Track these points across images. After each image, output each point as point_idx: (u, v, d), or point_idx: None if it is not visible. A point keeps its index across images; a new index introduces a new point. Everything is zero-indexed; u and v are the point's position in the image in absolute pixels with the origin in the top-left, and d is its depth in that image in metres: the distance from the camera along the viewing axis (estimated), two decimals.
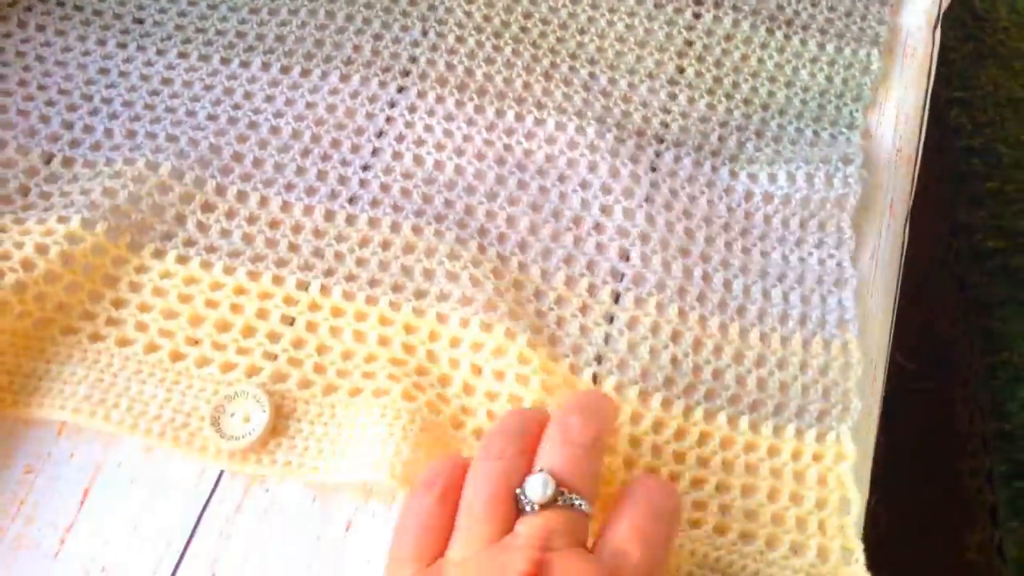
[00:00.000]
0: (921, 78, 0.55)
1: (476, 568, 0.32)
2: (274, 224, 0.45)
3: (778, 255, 0.46)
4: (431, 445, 0.38)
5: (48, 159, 0.46)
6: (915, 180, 0.53)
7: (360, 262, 0.44)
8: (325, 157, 0.47)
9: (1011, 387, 0.81)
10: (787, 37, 0.54)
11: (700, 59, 0.52)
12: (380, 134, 0.48)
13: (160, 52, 0.50)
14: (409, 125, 0.49)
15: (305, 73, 0.50)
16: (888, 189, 0.50)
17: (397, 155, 0.48)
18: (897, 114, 0.53)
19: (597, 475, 0.34)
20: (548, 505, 0.33)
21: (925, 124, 0.55)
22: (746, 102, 0.51)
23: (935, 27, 0.57)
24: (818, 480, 0.39)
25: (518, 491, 0.33)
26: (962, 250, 0.90)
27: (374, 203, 0.46)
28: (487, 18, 0.52)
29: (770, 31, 0.54)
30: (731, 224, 0.47)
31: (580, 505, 0.33)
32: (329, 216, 0.45)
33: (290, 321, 0.42)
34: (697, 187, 0.48)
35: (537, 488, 0.33)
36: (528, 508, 0.33)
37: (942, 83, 0.79)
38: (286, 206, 0.46)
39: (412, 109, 0.49)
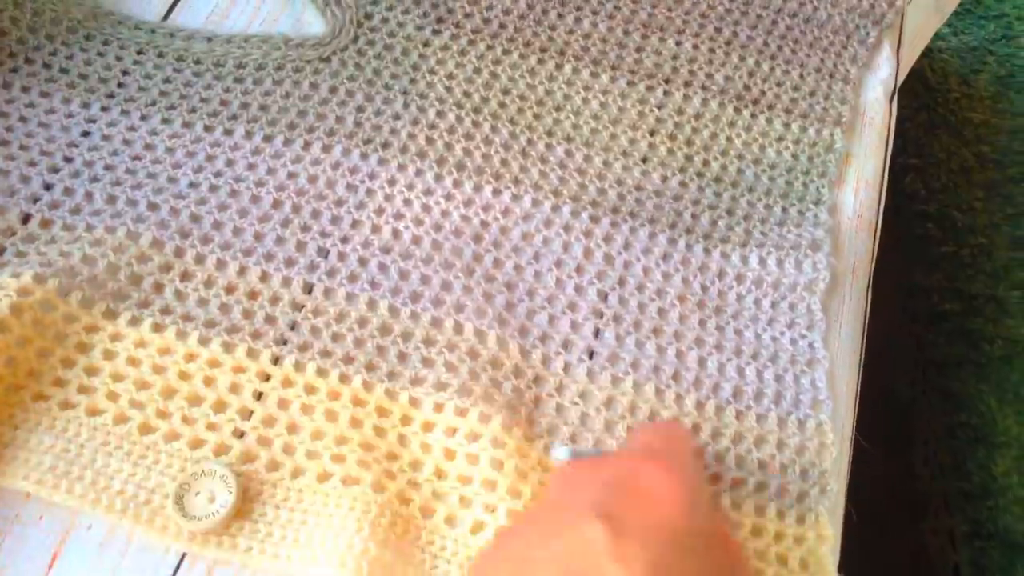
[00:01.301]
0: (879, 147, 0.57)
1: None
2: (252, 295, 0.46)
3: (751, 333, 0.47)
4: (399, 541, 0.39)
5: (26, 219, 0.47)
6: (876, 245, 0.55)
7: (336, 338, 0.45)
8: (305, 228, 0.48)
9: (971, 447, 0.83)
10: (754, 116, 0.56)
11: (671, 137, 0.54)
12: (360, 206, 0.49)
13: (144, 117, 0.51)
14: (388, 198, 0.50)
15: (287, 142, 0.51)
16: (849, 254, 0.52)
17: (376, 228, 0.49)
18: (857, 181, 0.55)
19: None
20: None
21: (884, 191, 0.57)
22: (717, 180, 0.53)
23: (892, 98, 0.59)
24: (800, 564, 0.40)
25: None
26: (919, 312, 0.92)
27: (352, 277, 0.47)
28: (467, 94, 0.54)
29: (737, 110, 0.56)
30: (705, 302, 0.48)
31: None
32: (307, 288, 0.46)
33: (262, 397, 0.43)
34: (671, 264, 0.49)
35: (561, 452, 0.39)
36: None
37: (897, 151, 0.82)
38: (265, 276, 0.46)
39: (392, 182, 0.50)
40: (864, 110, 0.57)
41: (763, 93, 0.56)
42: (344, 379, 0.43)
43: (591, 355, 0.46)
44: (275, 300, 0.46)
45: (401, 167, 0.51)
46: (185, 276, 0.46)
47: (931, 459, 0.86)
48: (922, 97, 1.06)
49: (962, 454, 0.83)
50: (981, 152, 1.01)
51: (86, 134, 0.50)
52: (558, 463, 0.41)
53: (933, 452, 0.85)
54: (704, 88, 0.56)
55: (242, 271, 0.46)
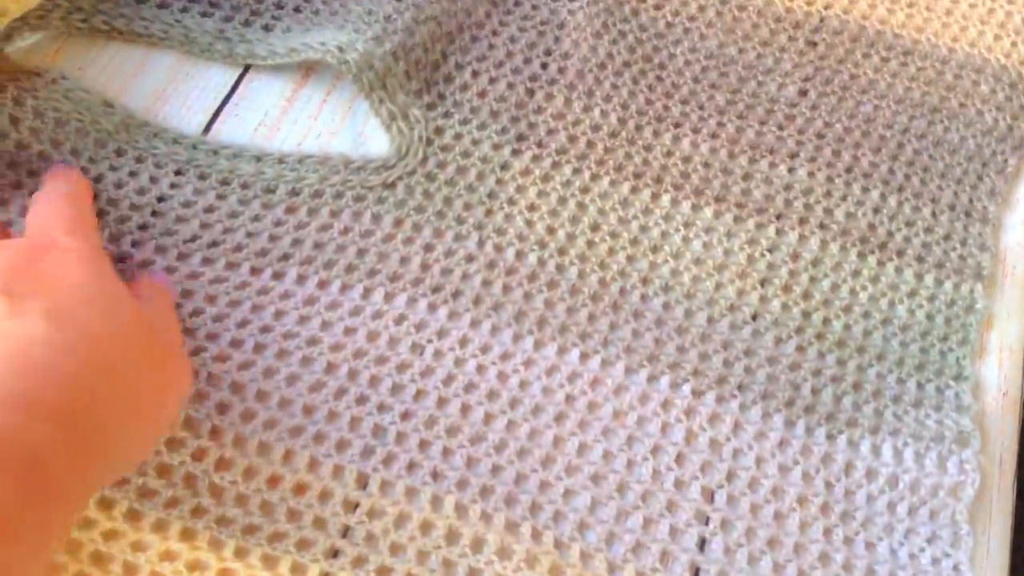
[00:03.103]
0: (1023, 300, 0.49)
1: None
2: (299, 488, 0.39)
3: (885, 548, 0.40)
4: None
5: None
6: (1021, 434, 0.47)
7: (395, 550, 0.38)
8: (361, 399, 0.42)
9: None
10: (881, 264, 0.48)
11: (786, 289, 0.46)
12: (426, 372, 0.42)
13: (182, 256, 0.45)
14: (459, 363, 0.43)
15: (345, 289, 0.44)
16: (995, 444, 0.44)
17: (442, 402, 0.42)
18: (1000, 349, 0.47)
19: None
20: None
21: None
22: (839, 344, 0.45)
23: None
24: None
25: None
26: None
27: (411, 466, 0.40)
28: (551, 230, 0.47)
29: (862, 255, 0.48)
30: (830, 505, 0.41)
31: None
32: (362, 481, 0.39)
33: None
34: (790, 455, 0.42)
35: None
36: None
37: None
38: (313, 464, 0.40)
39: (463, 342, 0.43)
40: (1004, 257, 0.49)
41: (891, 235, 0.49)
42: None
43: (696, 573, 0.39)
44: (325, 496, 0.39)
45: (474, 323, 0.44)
46: (221, 465, 0.39)
47: (1016, 555, 0.78)
48: None
49: None
50: None
51: None
52: None
53: (1018, 548, 0.77)
54: (822, 227, 0.48)
55: (287, 457, 0.40)
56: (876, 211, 0.49)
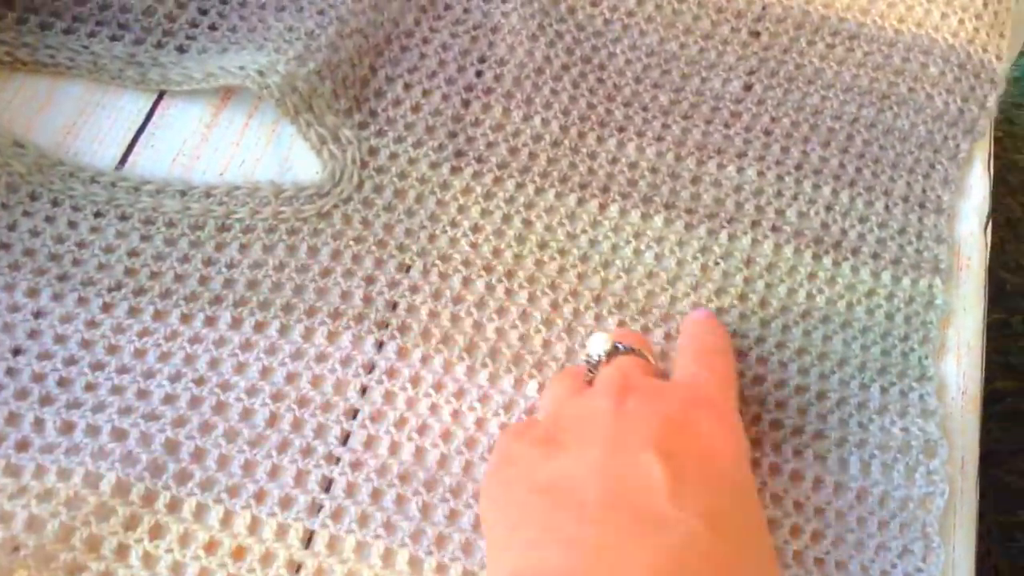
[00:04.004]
0: (979, 295, 0.49)
1: (570, 410, 0.36)
2: (238, 553, 0.37)
3: (856, 566, 0.39)
4: None
5: None
6: (981, 431, 0.46)
7: None
8: (307, 451, 0.39)
9: None
10: (836, 264, 0.47)
11: (742, 298, 0.45)
12: (377, 416, 0.40)
13: (106, 307, 0.42)
14: (411, 404, 0.41)
15: (284, 331, 0.42)
16: (957, 447, 0.44)
17: (395, 447, 0.40)
18: (958, 346, 0.46)
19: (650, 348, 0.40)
20: (612, 354, 0.38)
21: (985, 356, 0.48)
22: (800, 352, 0.44)
23: (986, 226, 0.51)
24: None
25: (583, 356, 0.39)
26: None
27: (363, 519, 0.38)
28: (497, 252, 0.45)
29: (816, 256, 0.47)
30: (801, 527, 0.40)
31: (640, 352, 0.38)
32: (307, 538, 0.37)
33: None
34: (758, 475, 0.40)
35: (598, 341, 0.39)
36: (596, 359, 0.38)
37: None
38: (255, 524, 0.37)
39: (415, 381, 0.41)
40: (959, 249, 0.48)
41: (844, 233, 0.47)
42: None
43: None
44: (267, 560, 0.37)
45: (425, 359, 0.42)
46: (156, 533, 0.37)
47: (985, 557, 0.79)
48: None
49: (1021, 558, 0.75)
50: None
51: (34, 334, 0.41)
52: (592, 359, 0.39)
53: (987, 553, 0.78)
54: (775, 229, 0.47)
55: (227, 519, 0.37)
56: (828, 209, 0.48)
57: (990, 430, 0.81)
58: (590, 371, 0.39)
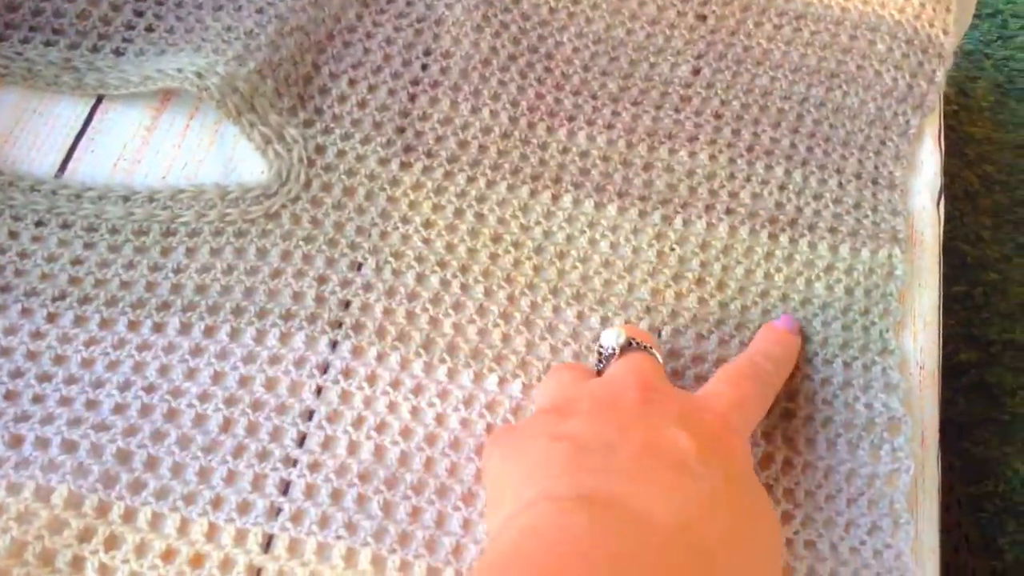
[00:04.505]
0: (933, 269, 0.49)
1: (584, 390, 0.36)
2: (196, 560, 0.36)
3: (825, 545, 0.39)
4: None
5: None
6: (940, 405, 0.46)
7: None
8: (263, 455, 0.39)
9: (1000, 520, 0.76)
10: (793, 241, 0.46)
11: (700, 282, 0.45)
12: (334, 417, 0.40)
13: (51, 317, 0.41)
14: (368, 402, 0.40)
15: (235, 335, 0.41)
16: (916, 421, 0.44)
17: (354, 447, 0.39)
18: (915, 320, 0.46)
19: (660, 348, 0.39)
20: (625, 349, 0.37)
21: (946, 336, 0.48)
22: None
23: (939, 201, 0.51)
24: None
25: (597, 348, 0.39)
26: None
27: (323, 521, 0.37)
28: (450, 247, 0.44)
29: (773, 236, 0.46)
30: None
31: (651, 350, 0.38)
32: (266, 542, 0.37)
33: None
34: None
35: (612, 335, 0.38)
36: (609, 352, 0.38)
37: None
38: (212, 531, 0.37)
39: (372, 379, 0.41)
40: (913, 223, 0.48)
41: (799, 211, 0.47)
42: None
43: None
44: (226, 566, 0.36)
45: (381, 357, 0.41)
46: (111, 543, 0.36)
47: (954, 527, 0.79)
48: None
49: (991, 529, 0.76)
50: (985, 173, 0.93)
51: None
52: (606, 351, 0.38)
53: (956, 524, 0.78)
54: (729, 212, 0.47)
55: (184, 527, 0.37)
56: (782, 188, 0.48)
57: (956, 402, 0.82)
58: (601, 363, 0.39)
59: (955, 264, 0.87)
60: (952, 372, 0.82)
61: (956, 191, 0.91)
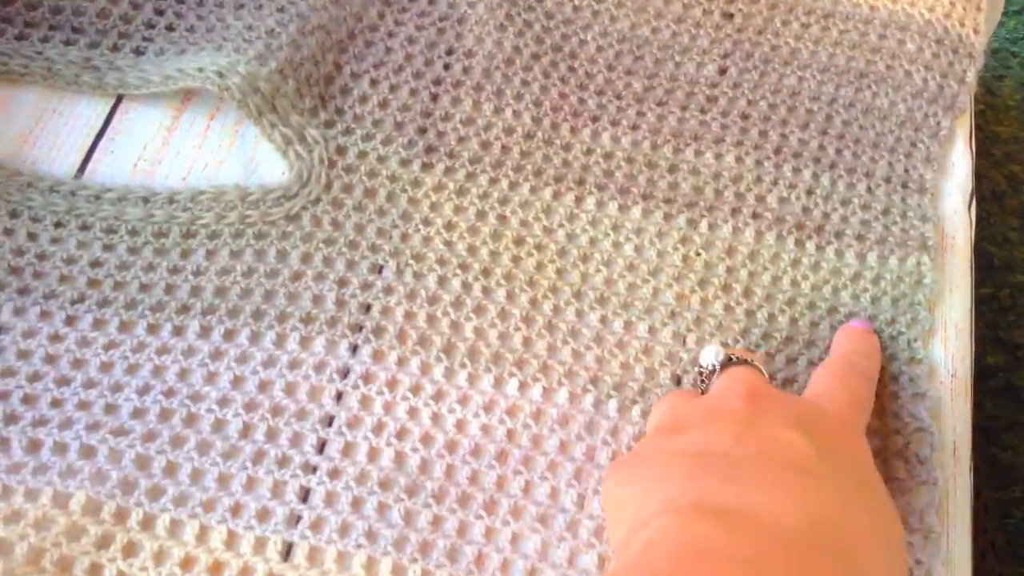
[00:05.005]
0: (965, 274, 0.48)
1: (693, 408, 0.35)
2: (215, 568, 0.36)
3: None
4: None
5: None
6: (973, 416, 0.45)
7: None
8: (283, 461, 0.38)
9: None
10: (820, 248, 0.46)
11: (726, 288, 0.44)
12: (354, 423, 0.39)
13: (70, 320, 0.40)
14: (389, 408, 0.40)
15: (255, 338, 0.41)
16: (947, 431, 0.43)
17: (374, 453, 0.39)
18: (945, 327, 0.45)
19: (762, 359, 0.39)
20: (726, 365, 0.37)
21: (974, 340, 0.47)
22: (788, 341, 0.43)
23: (970, 206, 0.50)
24: None
25: (697, 369, 0.39)
26: None
27: (343, 529, 0.37)
28: (472, 249, 0.43)
29: (799, 242, 0.46)
30: None
31: (752, 362, 0.37)
32: (286, 550, 0.36)
33: None
34: None
35: (710, 352, 0.38)
36: (710, 369, 0.38)
37: None
38: (232, 539, 0.36)
39: (392, 384, 0.40)
40: (943, 227, 0.47)
41: (827, 216, 0.46)
42: None
43: None
44: (246, 574, 0.36)
45: (401, 361, 0.41)
46: (129, 551, 0.36)
47: (980, 535, 0.78)
48: None
49: (1018, 534, 0.74)
50: (1012, 173, 0.92)
51: None
52: (706, 370, 0.39)
53: (983, 530, 0.77)
54: (756, 216, 0.46)
55: (202, 534, 0.36)
56: (809, 192, 0.47)
57: (983, 406, 0.80)
58: (703, 382, 0.39)
59: (982, 266, 0.86)
60: (979, 376, 0.80)
61: (983, 192, 0.90)
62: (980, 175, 0.90)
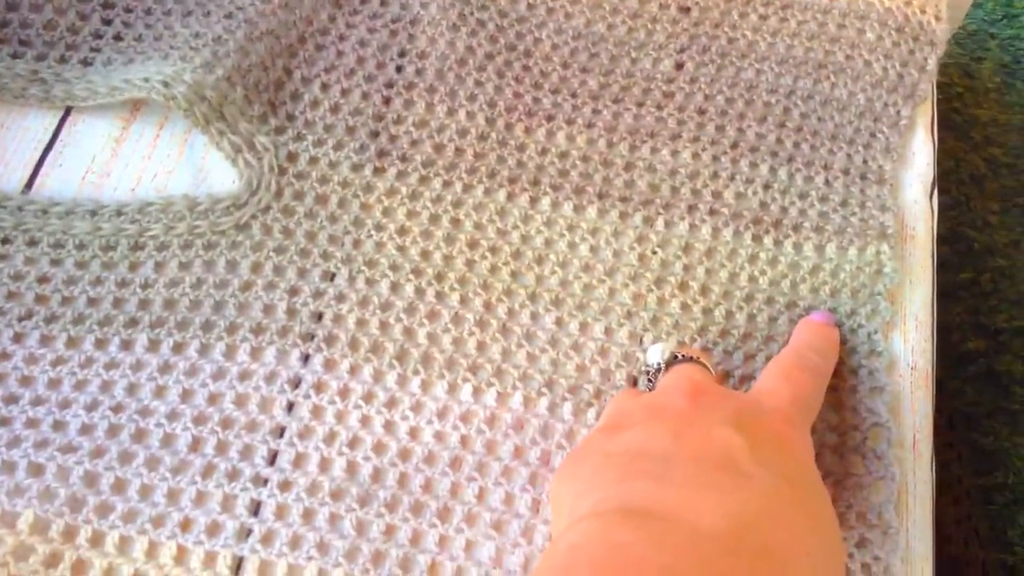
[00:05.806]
0: (927, 266, 0.47)
1: (636, 404, 0.35)
2: None
3: None
4: None
5: None
6: (934, 409, 0.45)
7: None
8: (233, 474, 0.38)
9: (1010, 512, 0.74)
10: (777, 243, 0.45)
11: (683, 286, 0.43)
12: (305, 433, 0.39)
13: (17, 337, 0.40)
14: (341, 417, 0.39)
15: (204, 350, 0.40)
16: (907, 426, 0.42)
17: (326, 463, 0.39)
18: (904, 319, 0.45)
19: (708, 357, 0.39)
20: (671, 363, 0.38)
21: (935, 329, 0.47)
22: (745, 337, 0.43)
23: (931, 195, 0.49)
24: None
25: (643, 368, 0.40)
26: (939, 354, 0.82)
27: (294, 543, 0.36)
28: (426, 254, 0.43)
29: (757, 237, 0.45)
30: None
31: (698, 359, 0.38)
32: (236, 565, 0.36)
33: None
34: None
35: (656, 350, 0.39)
36: (655, 367, 0.38)
37: None
38: (181, 554, 0.36)
39: (344, 393, 0.40)
40: (904, 218, 0.47)
41: (784, 210, 0.46)
42: None
43: None
44: None
45: (354, 370, 0.40)
46: (79, 569, 0.35)
47: (963, 520, 0.78)
48: None
49: (1001, 521, 0.74)
50: (992, 156, 0.91)
51: None
52: (652, 368, 0.39)
53: (966, 517, 0.77)
54: (712, 212, 0.45)
55: (152, 550, 0.36)
56: (767, 187, 0.46)
57: (964, 392, 0.80)
58: (649, 380, 0.39)
59: (961, 251, 0.85)
60: (960, 361, 0.80)
61: (962, 175, 0.89)
62: (959, 159, 0.90)
